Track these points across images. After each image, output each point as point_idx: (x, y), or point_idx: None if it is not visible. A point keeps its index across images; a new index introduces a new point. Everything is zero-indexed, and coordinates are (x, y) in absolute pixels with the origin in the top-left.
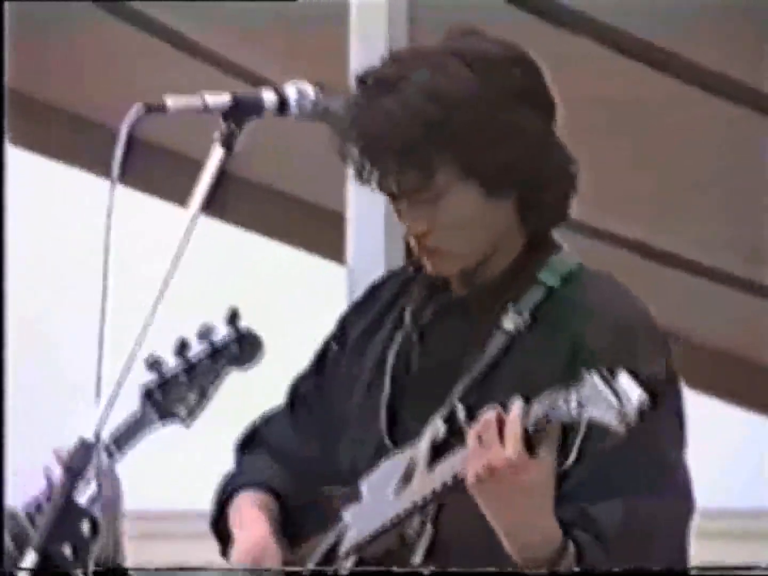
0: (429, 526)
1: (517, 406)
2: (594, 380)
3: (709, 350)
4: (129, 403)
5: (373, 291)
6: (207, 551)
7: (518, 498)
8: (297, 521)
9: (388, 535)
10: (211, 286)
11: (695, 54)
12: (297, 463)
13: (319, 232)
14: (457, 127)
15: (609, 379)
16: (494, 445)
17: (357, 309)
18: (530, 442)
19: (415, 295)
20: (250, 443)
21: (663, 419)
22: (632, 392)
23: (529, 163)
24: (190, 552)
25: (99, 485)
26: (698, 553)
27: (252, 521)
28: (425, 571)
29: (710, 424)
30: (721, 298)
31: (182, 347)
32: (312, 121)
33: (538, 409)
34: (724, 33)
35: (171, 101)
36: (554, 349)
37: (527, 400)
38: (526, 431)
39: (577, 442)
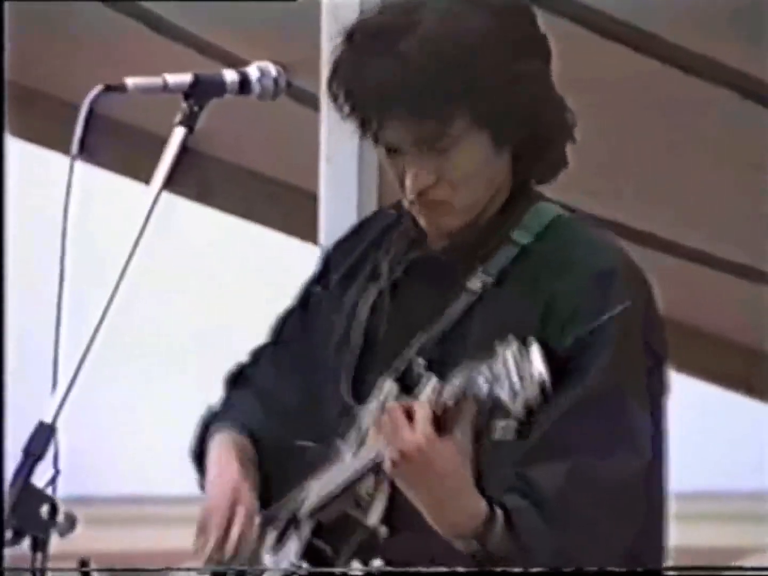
0: (385, 486)
1: (430, 386)
2: (506, 355)
3: (710, 336)
4: (86, 386)
5: (358, 230)
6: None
7: (434, 481)
8: (273, 470)
9: (341, 498)
10: (180, 268)
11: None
12: (278, 407)
13: (293, 212)
14: (475, 72)
15: (518, 355)
16: (403, 429)
17: (340, 247)
18: (442, 423)
19: (393, 246)
20: (236, 380)
21: (622, 372)
22: (536, 370)
23: (534, 110)
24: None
25: (56, 469)
26: (700, 535)
27: (228, 464)
28: (431, 571)
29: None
30: (720, 285)
31: None
32: (273, 100)
33: (454, 385)
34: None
35: (131, 81)
36: (525, 307)
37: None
38: (438, 411)
39: (485, 419)
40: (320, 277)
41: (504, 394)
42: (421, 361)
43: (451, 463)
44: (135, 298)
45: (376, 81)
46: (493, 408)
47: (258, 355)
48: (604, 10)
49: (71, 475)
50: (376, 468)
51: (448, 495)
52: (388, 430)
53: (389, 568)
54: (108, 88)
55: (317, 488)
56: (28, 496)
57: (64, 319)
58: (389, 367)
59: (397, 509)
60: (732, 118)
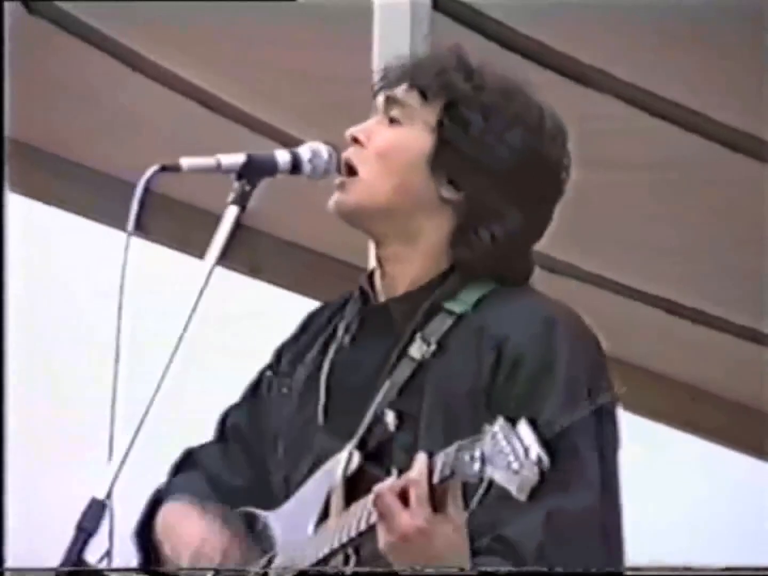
0: (352, 556)
1: (420, 463)
2: (495, 433)
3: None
4: (140, 463)
5: (309, 319)
6: None
7: (433, 557)
8: None
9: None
10: (229, 342)
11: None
12: (228, 491)
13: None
14: (475, 105)
15: (508, 432)
16: (401, 514)
17: (292, 338)
18: (437, 501)
19: (348, 312)
20: (183, 465)
21: (569, 415)
22: (532, 452)
23: (501, 189)
24: None
25: (110, 544)
26: None
27: (186, 518)
28: (427, 571)
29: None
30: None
31: None
32: (325, 178)
33: (443, 465)
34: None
35: (185, 162)
36: (473, 365)
37: (430, 455)
38: (431, 488)
39: (478, 495)
40: (270, 366)
41: (499, 476)
42: (390, 423)
43: (450, 539)
44: (188, 373)
45: (410, 63)
46: (483, 485)
47: (205, 445)
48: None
49: (124, 549)
50: (356, 540)
51: (443, 563)
52: (385, 513)
53: (389, 569)
54: (163, 168)
55: (283, 556)
56: (81, 572)
57: (119, 395)
58: (349, 421)
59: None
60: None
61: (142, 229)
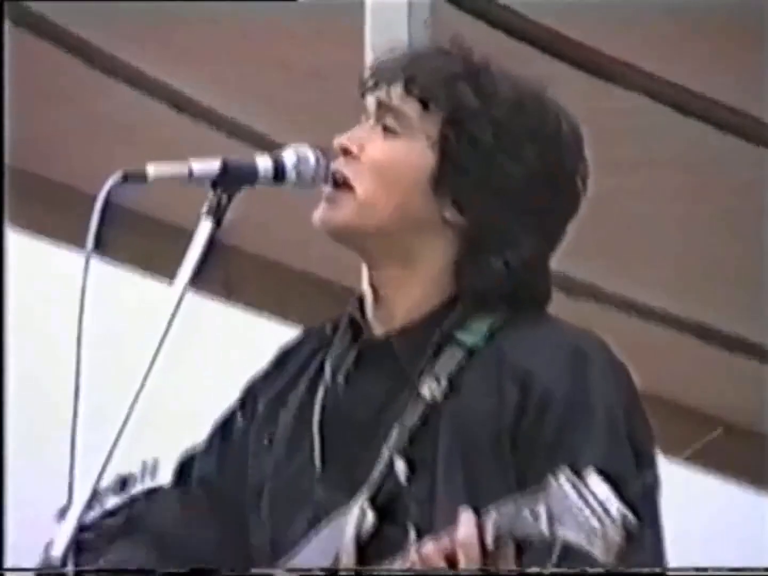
0: None
1: (468, 523)
2: (561, 485)
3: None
4: None
5: (285, 355)
6: None
7: None
8: None
9: None
10: (200, 374)
11: None
12: (184, 549)
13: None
14: (489, 124)
15: (578, 485)
16: None
17: (265, 376)
18: (488, 562)
19: (336, 346)
20: (125, 527)
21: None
22: (609, 504)
23: (514, 210)
24: None
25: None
26: None
27: None
28: (425, 572)
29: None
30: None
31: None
32: (312, 188)
33: (498, 523)
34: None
35: (152, 169)
36: (492, 405)
37: (476, 510)
38: (483, 551)
39: (553, 559)
40: (242, 408)
41: (575, 536)
42: (400, 473)
43: None
44: (154, 408)
45: (407, 61)
46: (556, 547)
47: (153, 498)
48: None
49: None
50: None
51: None
52: None
53: (390, 568)
54: (126, 177)
55: None
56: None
57: (79, 427)
58: (355, 468)
59: None
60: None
61: (103, 247)
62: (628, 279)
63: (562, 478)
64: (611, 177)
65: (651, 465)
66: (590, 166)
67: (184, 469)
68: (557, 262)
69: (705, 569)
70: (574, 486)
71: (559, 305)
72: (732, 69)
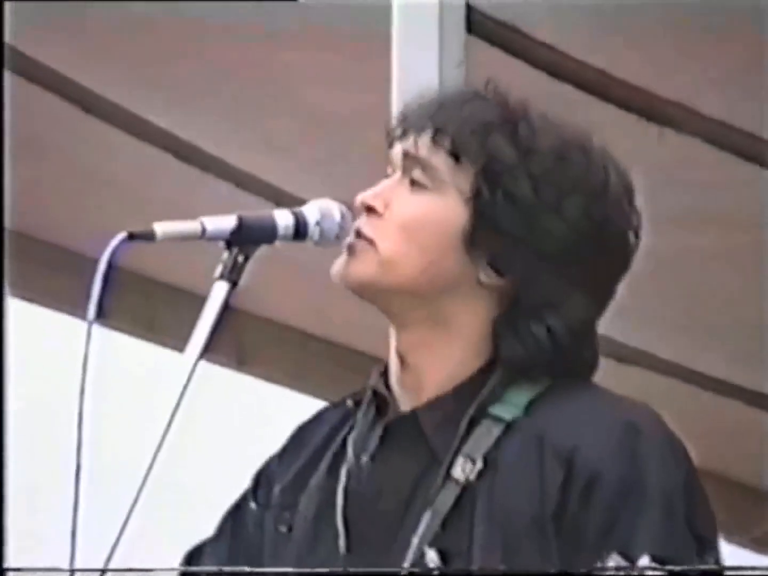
0: None
1: None
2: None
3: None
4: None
5: (302, 434)
6: None
7: None
8: None
9: None
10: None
11: None
12: None
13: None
14: (522, 183)
15: (628, 571)
16: None
17: (281, 458)
18: None
19: (359, 423)
20: None
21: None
22: None
23: (557, 270)
24: None
25: None
26: None
27: None
28: (434, 571)
29: None
30: None
31: None
32: (335, 246)
33: None
34: None
35: (160, 228)
36: (534, 485)
37: None
38: None
39: None
40: (254, 495)
41: None
42: (431, 563)
43: None
44: (164, 487)
45: (436, 108)
46: None
47: None
48: None
49: None
50: None
51: None
52: None
53: (393, 569)
54: (132, 237)
55: None
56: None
57: (81, 502)
58: (387, 553)
59: None
60: None
61: (106, 314)
62: (690, 347)
63: (611, 565)
64: (675, 234)
65: (713, 550)
66: (644, 219)
67: (191, 563)
68: (609, 326)
69: (705, 569)
70: (623, 572)
71: (609, 374)
72: None
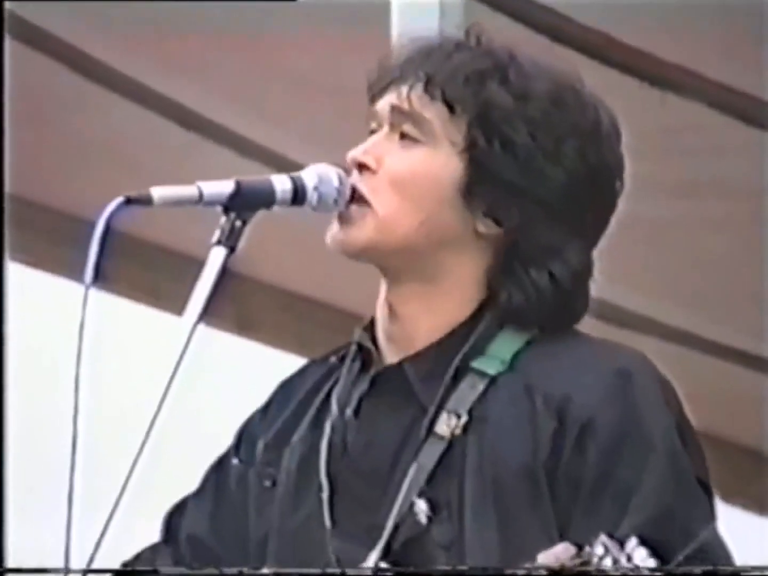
0: None
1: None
2: (601, 560)
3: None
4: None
5: (285, 390)
6: None
7: None
8: None
9: None
10: (210, 418)
11: None
12: None
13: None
14: (519, 128)
15: (618, 559)
16: None
17: (264, 414)
18: None
19: (343, 378)
20: None
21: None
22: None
23: (556, 216)
24: None
25: None
26: None
27: None
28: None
29: None
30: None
31: None
32: (333, 211)
33: None
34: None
35: (157, 192)
36: (525, 436)
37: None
38: None
39: None
40: (237, 452)
41: None
42: (421, 514)
43: None
44: (162, 452)
45: (423, 58)
46: None
47: (144, 556)
48: None
49: None
50: None
51: None
52: None
53: (393, 568)
54: (129, 201)
55: None
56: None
57: (77, 471)
58: (368, 510)
59: None
60: None
61: (104, 278)
62: (688, 310)
63: (600, 549)
64: (678, 201)
65: (712, 497)
66: (654, 183)
67: (173, 519)
68: (611, 292)
69: (705, 568)
70: (613, 560)
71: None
72: None
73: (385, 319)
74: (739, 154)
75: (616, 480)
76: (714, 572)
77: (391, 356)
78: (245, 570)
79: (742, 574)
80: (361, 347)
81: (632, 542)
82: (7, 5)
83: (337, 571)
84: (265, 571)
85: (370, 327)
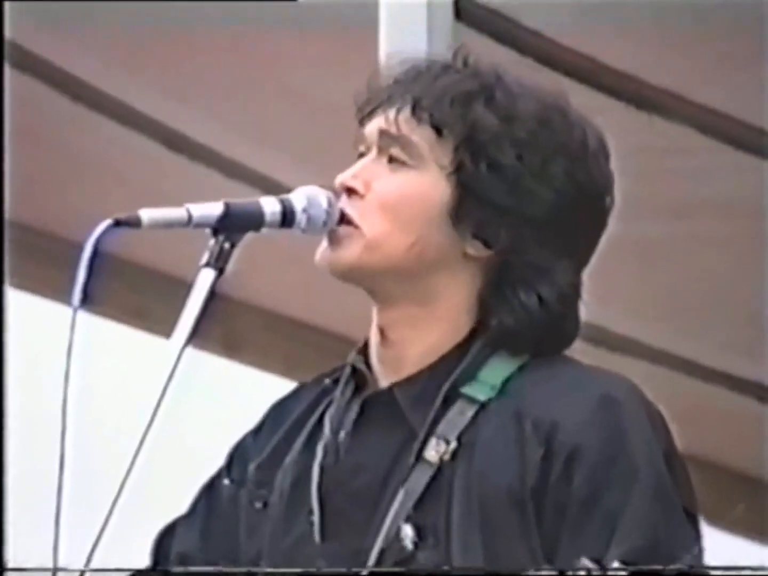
0: None
1: None
2: None
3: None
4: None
5: (278, 411)
6: None
7: None
8: None
9: None
10: (197, 440)
11: None
12: None
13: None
14: (506, 147)
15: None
16: None
17: (255, 436)
18: None
19: (337, 400)
20: None
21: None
22: None
23: (545, 237)
24: None
25: None
26: None
27: None
28: (429, 571)
29: None
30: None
31: None
32: (322, 234)
33: None
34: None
35: (146, 214)
36: (513, 462)
37: None
38: None
39: None
40: (228, 473)
41: None
42: (408, 539)
43: None
44: (149, 480)
45: (410, 81)
46: None
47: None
48: None
49: None
50: None
51: None
52: None
53: (395, 569)
54: (118, 223)
55: None
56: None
57: (64, 496)
58: (359, 532)
59: None
60: None
61: (92, 300)
62: (680, 335)
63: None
64: (667, 222)
65: (699, 525)
66: (642, 206)
67: (163, 540)
68: (600, 314)
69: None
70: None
71: (599, 362)
72: None
73: (377, 343)
74: (728, 176)
75: (602, 507)
76: (705, 574)
77: (383, 380)
78: (252, 569)
79: (741, 574)
80: (355, 370)
81: (614, 564)
82: (8, 34)
83: (343, 570)
84: (269, 569)
85: (364, 349)
